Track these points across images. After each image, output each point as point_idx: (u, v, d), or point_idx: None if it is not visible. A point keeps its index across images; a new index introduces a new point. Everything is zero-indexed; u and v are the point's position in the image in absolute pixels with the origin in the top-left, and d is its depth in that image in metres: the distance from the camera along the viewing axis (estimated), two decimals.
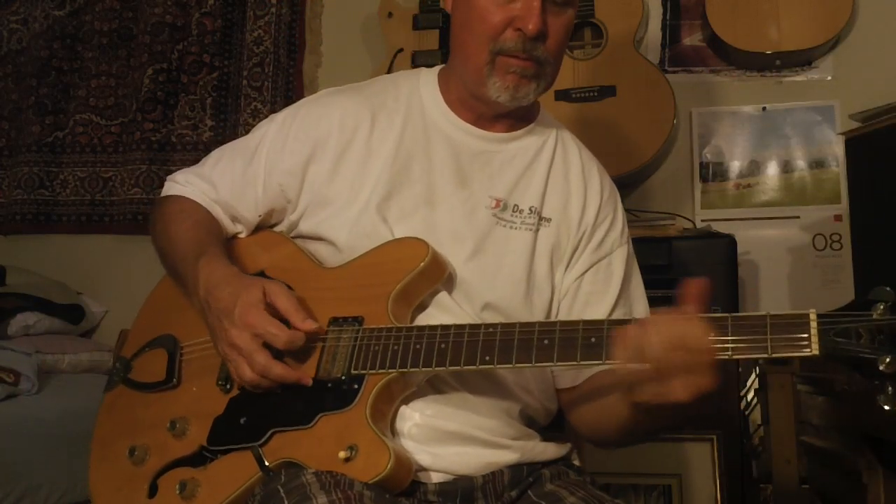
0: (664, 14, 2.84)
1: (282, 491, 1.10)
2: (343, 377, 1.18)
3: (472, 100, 1.34)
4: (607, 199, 1.39)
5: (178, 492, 1.21)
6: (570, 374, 1.32)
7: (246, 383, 1.20)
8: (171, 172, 1.49)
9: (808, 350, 0.97)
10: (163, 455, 1.26)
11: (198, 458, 1.23)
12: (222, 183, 1.39)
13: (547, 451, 1.31)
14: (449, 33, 1.39)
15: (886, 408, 0.94)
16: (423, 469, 1.20)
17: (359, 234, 1.28)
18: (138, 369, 1.38)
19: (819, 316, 0.98)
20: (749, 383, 2.41)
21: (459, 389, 1.23)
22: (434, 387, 1.23)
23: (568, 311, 1.34)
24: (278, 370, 1.18)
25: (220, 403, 1.25)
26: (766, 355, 0.99)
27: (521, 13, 1.25)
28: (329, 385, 1.19)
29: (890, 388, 0.94)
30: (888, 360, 0.93)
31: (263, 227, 1.41)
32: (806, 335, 0.98)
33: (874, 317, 0.95)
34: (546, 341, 1.10)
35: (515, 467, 1.26)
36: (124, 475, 1.28)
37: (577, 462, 1.38)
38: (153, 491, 1.24)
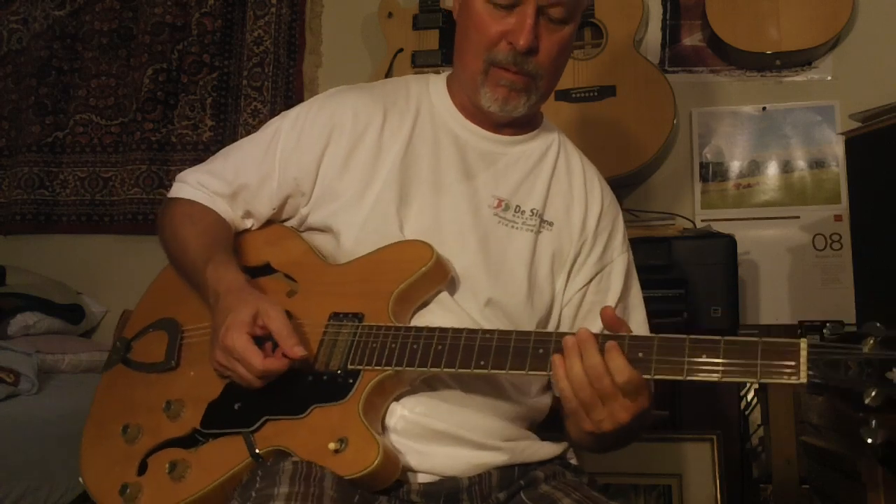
0: (664, 14, 2.84)
1: (258, 474, 1.14)
2: (339, 371, 1.20)
3: (472, 106, 1.37)
4: (608, 208, 1.42)
5: (167, 471, 1.22)
6: None
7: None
8: (171, 172, 1.49)
9: (796, 378, 0.99)
10: (155, 435, 1.27)
11: (190, 440, 1.25)
12: (236, 179, 1.40)
13: (541, 450, 1.31)
14: (449, 34, 1.40)
15: (869, 441, 0.95)
16: (411, 469, 1.20)
17: (368, 230, 1.30)
18: (138, 350, 1.39)
19: (810, 345, 1.00)
20: (749, 384, 2.41)
21: (454, 388, 1.24)
22: (429, 385, 1.23)
23: (571, 322, 1.36)
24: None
25: (217, 388, 1.26)
26: (754, 380, 1.02)
27: (513, 28, 1.27)
28: (325, 377, 1.20)
29: (874, 422, 0.96)
30: (874, 393, 0.94)
31: (273, 220, 1.43)
32: (794, 363, 1.00)
33: (864, 350, 0.97)
34: (541, 350, 1.12)
35: (505, 469, 1.26)
36: (116, 453, 1.29)
37: (573, 461, 1.38)
38: (143, 469, 1.25)
